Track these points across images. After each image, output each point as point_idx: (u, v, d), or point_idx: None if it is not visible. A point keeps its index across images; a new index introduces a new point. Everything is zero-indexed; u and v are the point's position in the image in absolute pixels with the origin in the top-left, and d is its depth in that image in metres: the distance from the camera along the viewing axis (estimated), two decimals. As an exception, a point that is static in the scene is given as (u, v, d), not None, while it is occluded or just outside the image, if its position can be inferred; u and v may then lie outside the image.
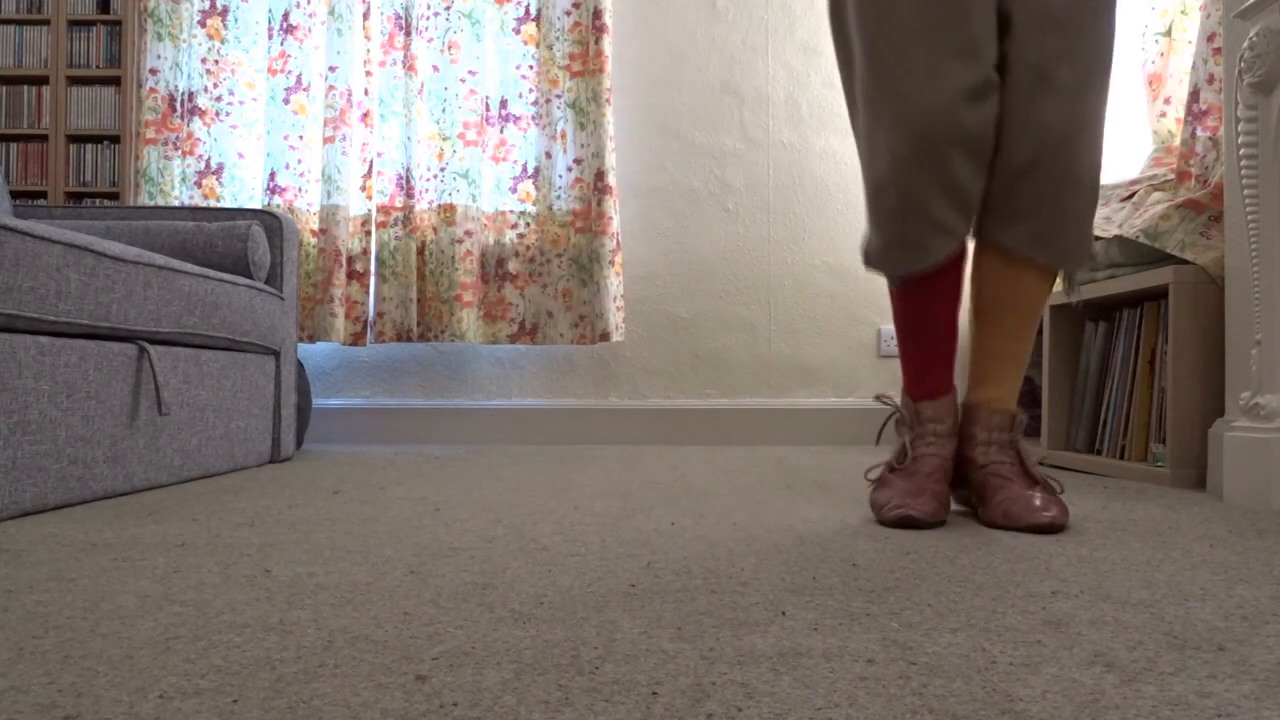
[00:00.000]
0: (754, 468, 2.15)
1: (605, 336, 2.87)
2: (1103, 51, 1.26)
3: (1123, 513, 1.41)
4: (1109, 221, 2.11)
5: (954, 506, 1.45)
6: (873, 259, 1.33)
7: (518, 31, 2.97)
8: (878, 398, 1.47)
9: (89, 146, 2.96)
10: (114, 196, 2.95)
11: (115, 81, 2.96)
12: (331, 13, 2.88)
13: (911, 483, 1.28)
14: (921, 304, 1.34)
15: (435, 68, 2.93)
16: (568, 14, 2.91)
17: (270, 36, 2.93)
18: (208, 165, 2.96)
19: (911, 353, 1.37)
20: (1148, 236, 1.86)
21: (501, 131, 2.98)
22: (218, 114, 2.97)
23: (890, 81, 1.23)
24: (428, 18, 2.94)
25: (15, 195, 2.95)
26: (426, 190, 2.94)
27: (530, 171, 2.98)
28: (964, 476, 1.37)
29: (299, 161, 2.92)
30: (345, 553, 1.08)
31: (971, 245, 1.35)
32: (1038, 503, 1.22)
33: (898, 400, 1.38)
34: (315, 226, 2.92)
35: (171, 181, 2.91)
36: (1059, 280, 1.40)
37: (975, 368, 1.37)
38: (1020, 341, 1.35)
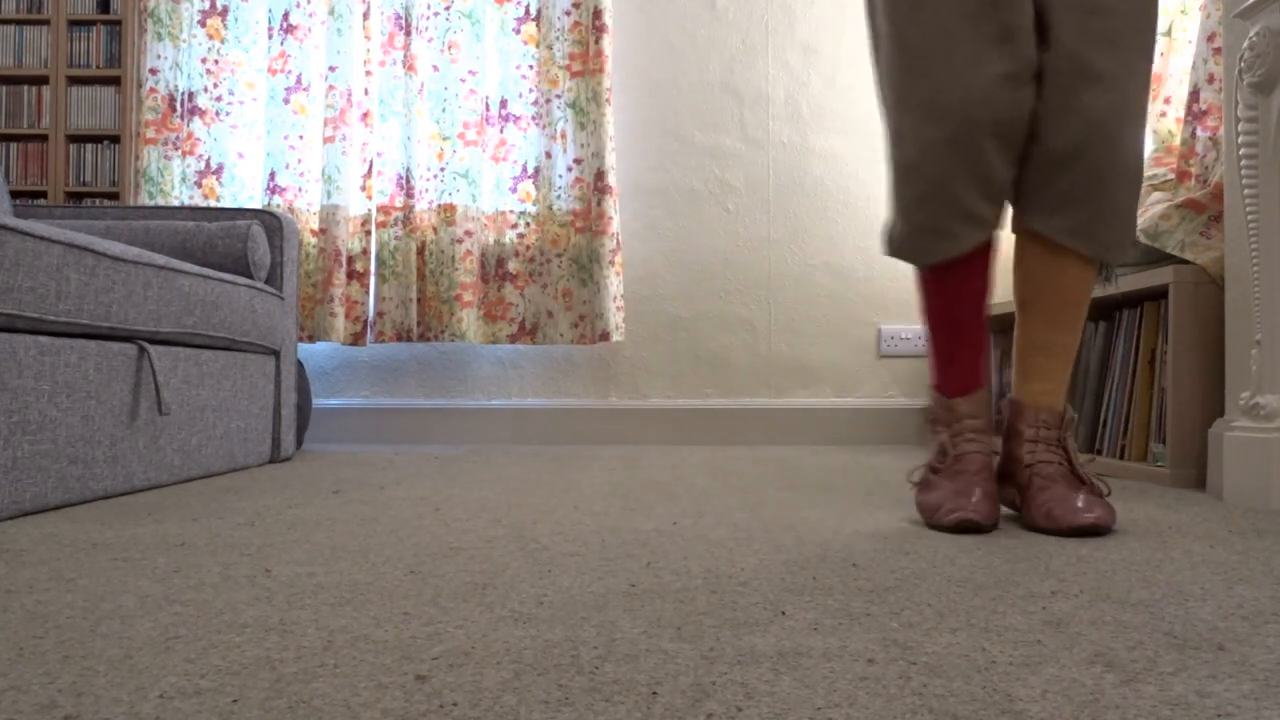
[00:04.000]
0: (754, 468, 2.15)
1: (605, 336, 2.87)
2: (1144, 38, 1.23)
3: (1123, 513, 1.41)
4: (1109, 221, 2.11)
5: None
6: (897, 246, 1.31)
7: (518, 31, 2.97)
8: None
9: (89, 146, 2.96)
10: (114, 196, 2.95)
11: (115, 81, 2.96)
12: (331, 13, 2.88)
13: (959, 482, 1.25)
14: (952, 295, 1.31)
15: (435, 68, 2.93)
16: (568, 14, 2.91)
17: (270, 36, 2.93)
18: (208, 165, 2.96)
19: (943, 346, 1.34)
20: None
21: (501, 131, 2.98)
22: (218, 114, 2.97)
23: (925, 66, 1.21)
24: (428, 18, 2.94)
25: (15, 195, 2.95)
26: (426, 190, 2.94)
27: (530, 171, 2.98)
28: (1010, 474, 1.33)
29: (299, 161, 2.92)
30: (345, 553, 1.08)
31: (1012, 237, 1.33)
32: (1080, 504, 1.19)
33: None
34: (315, 226, 2.92)
35: (171, 181, 2.91)
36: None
37: (1021, 362, 1.34)
38: (1067, 333, 1.31)
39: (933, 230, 1.26)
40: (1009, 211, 1.33)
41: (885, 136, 1.31)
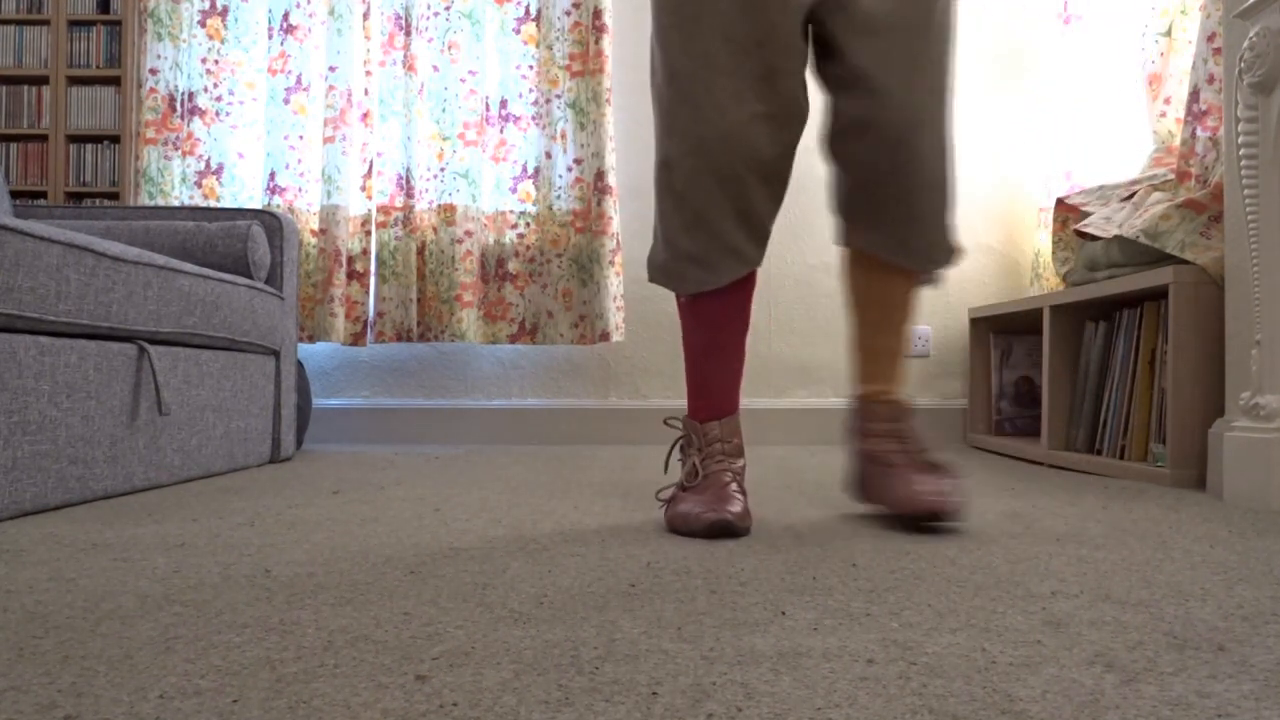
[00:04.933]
0: (754, 468, 2.15)
1: (605, 336, 2.87)
2: (931, 49, 1.25)
3: (1123, 513, 1.41)
4: (1109, 221, 2.11)
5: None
6: (659, 272, 1.32)
7: (518, 31, 2.97)
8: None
9: (89, 146, 2.96)
10: (114, 196, 2.95)
11: (115, 81, 2.96)
12: (331, 13, 2.88)
13: (709, 493, 1.25)
14: (711, 324, 1.33)
15: (435, 68, 2.93)
16: (568, 14, 2.91)
17: (270, 36, 2.93)
18: (208, 165, 2.96)
19: (700, 374, 1.35)
20: (1148, 236, 1.86)
21: (501, 131, 2.98)
22: (218, 114, 2.97)
23: (692, 97, 1.22)
24: (428, 18, 2.94)
25: (15, 195, 2.95)
26: (426, 190, 2.94)
27: (530, 171, 2.98)
28: (862, 472, 1.36)
29: (299, 161, 2.92)
30: (345, 553, 1.08)
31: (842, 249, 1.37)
32: (938, 490, 1.21)
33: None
34: (315, 226, 2.92)
35: (171, 181, 2.91)
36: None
37: (857, 364, 1.39)
38: (894, 338, 1.37)
39: (694, 259, 1.27)
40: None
41: (655, 161, 1.31)
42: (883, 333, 1.37)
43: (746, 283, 1.32)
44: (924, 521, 1.22)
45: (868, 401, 1.37)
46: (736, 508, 1.21)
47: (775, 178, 1.25)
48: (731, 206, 1.23)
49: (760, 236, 1.27)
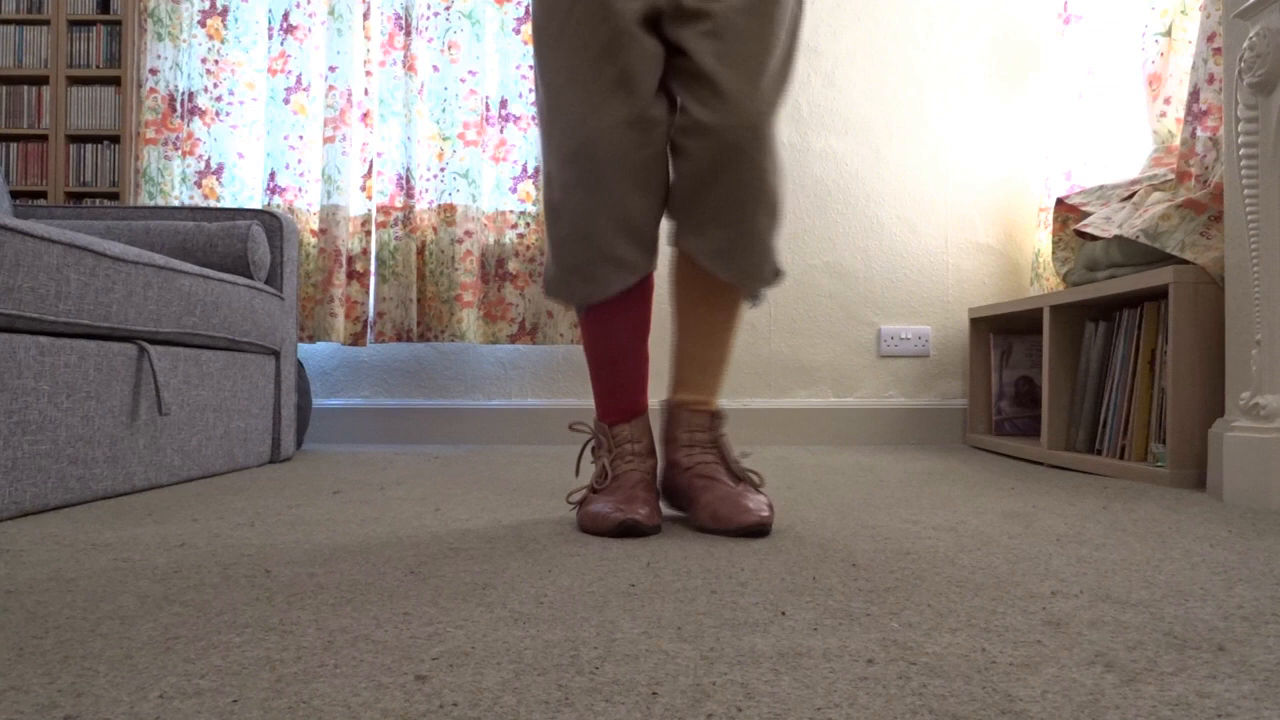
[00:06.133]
0: (754, 468, 2.15)
1: (605, 336, 2.86)
2: (773, 61, 1.25)
3: (1123, 513, 1.41)
4: (1109, 221, 2.11)
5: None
6: (551, 287, 1.32)
7: (518, 31, 2.97)
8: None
9: (89, 146, 2.96)
10: (114, 196, 2.95)
11: (115, 81, 2.95)
12: (331, 13, 2.88)
13: (619, 494, 1.26)
14: (607, 332, 1.33)
15: (435, 68, 2.93)
16: (568, 14, 2.91)
17: (270, 36, 2.93)
18: (208, 165, 2.96)
19: (604, 378, 1.36)
20: (1148, 236, 1.86)
21: (501, 131, 2.98)
22: (218, 114, 2.97)
23: (558, 110, 1.23)
24: (428, 18, 2.94)
25: (15, 195, 2.95)
26: (426, 190, 2.94)
27: (530, 171, 2.98)
28: (672, 481, 1.35)
29: (299, 161, 2.92)
30: (345, 553, 1.08)
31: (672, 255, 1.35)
32: (747, 503, 1.21)
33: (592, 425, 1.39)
34: (315, 226, 2.92)
35: (171, 181, 2.91)
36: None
37: (675, 370, 1.37)
38: (715, 348, 1.35)
39: (579, 273, 1.27)
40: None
41: (541, 177, 1.32)
42: (703, 342, 1.35)
43: (642, 287, 1.32)
44: (744, 535, 1.20)
45: (683, 409, 1.35)
46: (644, 508, 1.22)
47: (650, 182, 1.24)
48: (608, 215, 1.23)
49: (643, 242, 1.27)
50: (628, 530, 1.19)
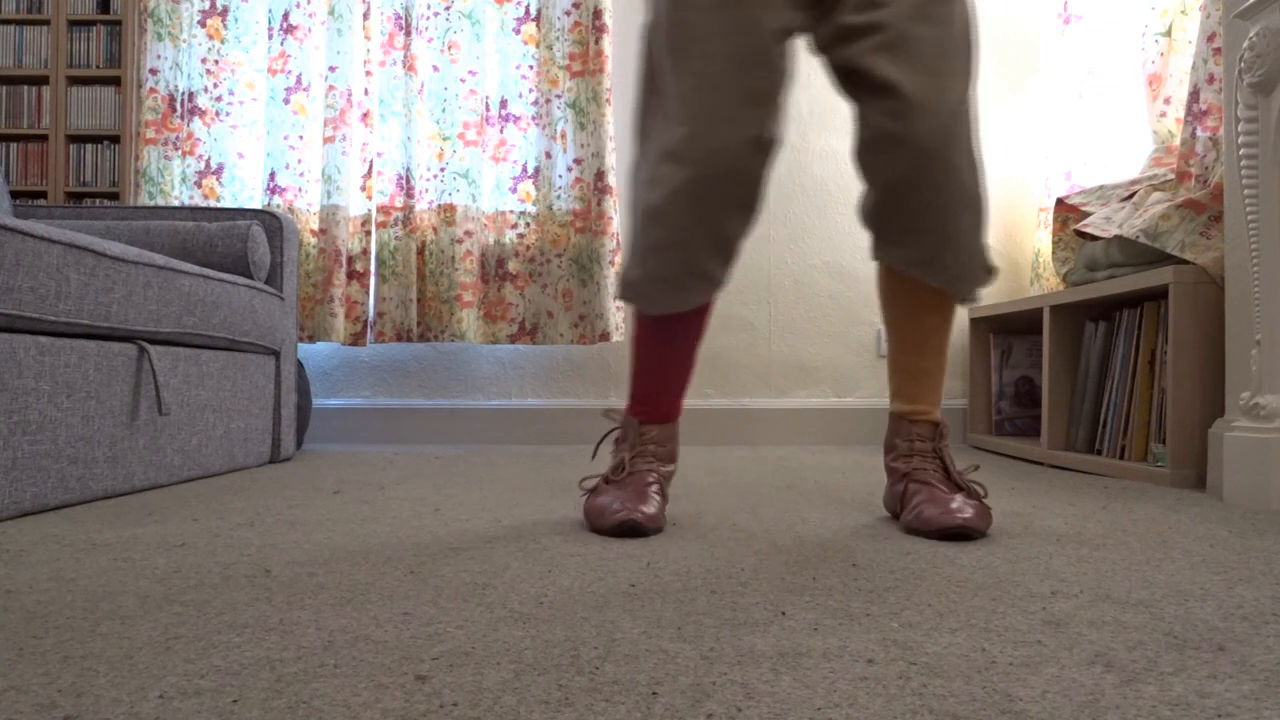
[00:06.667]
0: (754, 468, 2.15)
1: (605, 336, 2.87)
2: (955, 62, 1.24)
3: (1123, 513, 1.41)
4: (1109, 221, 2.11)
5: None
6: (629, 291, 1.31)
7: (518, 31, 2.97)
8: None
9: (89, 146, 2.96)
10: (114, 196, 2.95)
11: (115, 81, 2.95)
12: (331, 13, 2.88)
13: (628, 490, 1.26)
14: (667, 338, 1.33)
15: (435, 68, 2.93)
16: (568, 14, 2.91)
17: (270, 36, 2.93)
18: (208, 165, 2.96)
19: (648, 381, 1.35)
20: (1148, 236, 1.86)
21: (501, 131, 2.98)
22: (218, 114, 2.97)
23: (683, 117, 1.21)
24: (428, 18, 2.94)
25: (15, 195, 2.95)
26: (426, 190, 2.94)
27: (530, 171, 2.98)
28: (890, 488, 1.35)
29: (299, 161, 2.92)
30: (345, 553, 1.08)
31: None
32: (954, 505, 1.20)
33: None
34: (315, 226, 2.92)
35: (171, 181, 2.91)
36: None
37: (893, 382, 1.36)
38: (929, 358, 1.34)
39: (667, 282, 1.26)
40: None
41: (634, 177, 1.30)
42: (920, 354, 1.34)
43: (709, 302, 1.33)
44: (946, 538, 1.19)
45: (904, 420, 1.35)
46: (651, 509, 1.22)
47: (755, 203, 1.24)
48: (708, 231, 1.22)
49: (731, 260, 1.27)
50: (627, 530, 1.19)
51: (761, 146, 1.21)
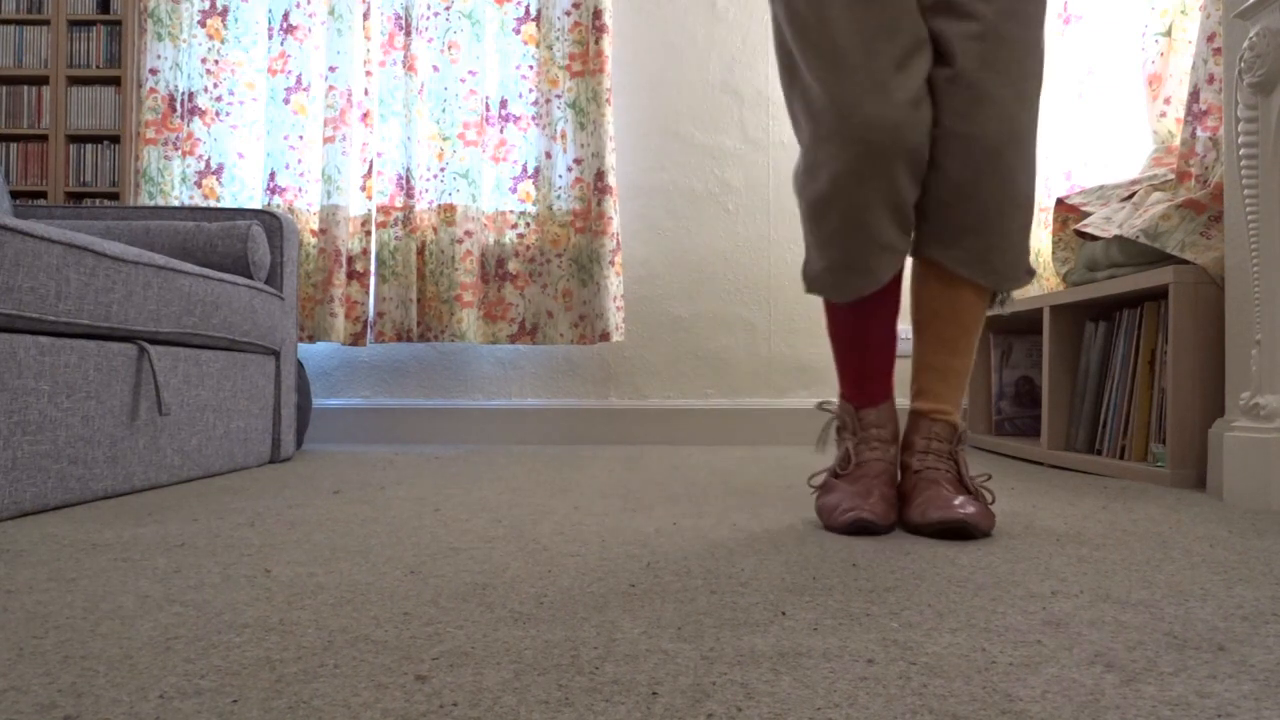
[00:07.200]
0: (754, 468, 2.15)
1: (605, 336, 2.87)
2: (1034, 65, 1.24)
3: (1123, 513, 1.41)
4: (1109, 221, 2.11)
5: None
6: (817, 284, 1.31)
7: (518, 31, 2.97)
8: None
9: (89, 146, 2.96)
10: (114, 196, 2.95)
11: (115, 81, 2.96)
12: (331, 13, 2.88)
13: (858, 485, 1.26)
14: (863, 318, 1.32)
15: (435, 68, 2.93)
16: (568, 14, 2.91)
17: (270, 36, 2.93)
18: (208, 165, 2.96)
19: (853, 365, 1.35)
20: (1148, 236, 1.86)
21: (501, 131, 2.98)
22: (218, 114, 2.97)
23: (830, 95, 1.21)
24: (428, 18, 2.94)
25: (15, 195, 2.95)
26: (426, 190, 2.94)
27: (530, 171, 2.98)
28: (899, 484, 1.35)
29: (299, 161, 2.92)
30: (345, 553, 1.08)
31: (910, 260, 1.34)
32: (956, 502, 1.20)
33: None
34: (315, 226, 2.92)
35: (171, 181, 2.91)
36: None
37: (917, 380, 1.36)
38: (960, 357, 1.34)
39: (849, 267, 1.26)
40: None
41: (796, 172, 1.30)
42: (951, 352, 1.33)
43: (898, 274, 1.31)
44: (949, 533, 1.18)
45: (923, 418, 1.33)
46: (880, 505, 1.22)
47: (921, 165, 1.23)
48: (882, 201, 1.21)
49: (908, 224, 1.25)
50: (858, 531, 1.19)
51: (918, 104, 1.21)
